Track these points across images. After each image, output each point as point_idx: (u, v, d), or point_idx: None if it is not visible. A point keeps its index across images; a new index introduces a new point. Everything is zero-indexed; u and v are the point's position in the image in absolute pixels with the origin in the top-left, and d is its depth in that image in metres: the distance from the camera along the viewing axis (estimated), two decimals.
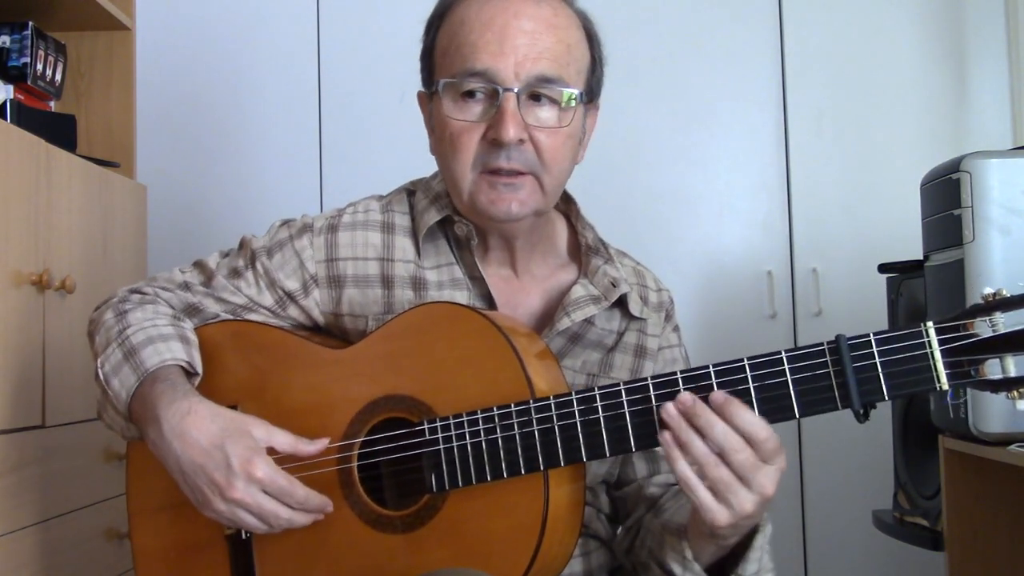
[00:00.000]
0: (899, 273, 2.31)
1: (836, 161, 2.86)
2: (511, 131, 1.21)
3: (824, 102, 2.87)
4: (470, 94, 1.24)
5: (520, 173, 1.23)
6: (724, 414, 1.06)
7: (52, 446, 1.80)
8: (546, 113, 1.24)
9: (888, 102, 2.86)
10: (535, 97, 1.24)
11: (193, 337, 1.31)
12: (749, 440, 1.06)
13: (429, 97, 1.32)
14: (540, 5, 1.26)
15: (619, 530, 1.38)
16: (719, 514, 1.07)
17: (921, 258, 2.05)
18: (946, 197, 1.89)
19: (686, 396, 1.08)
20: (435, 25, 1.30)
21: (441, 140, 1.28)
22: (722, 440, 1.06)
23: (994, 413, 1.80)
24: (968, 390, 1.77)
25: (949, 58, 2.88)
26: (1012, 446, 1.76)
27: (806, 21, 2.88)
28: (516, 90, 1.22)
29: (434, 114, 1.29)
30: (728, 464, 1.06)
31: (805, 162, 2.86)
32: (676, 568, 1.19)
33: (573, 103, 1.25)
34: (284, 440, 1.20)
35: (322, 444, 1.22)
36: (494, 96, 1.23)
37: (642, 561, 1.30)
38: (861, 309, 2.74)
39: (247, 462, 1.15)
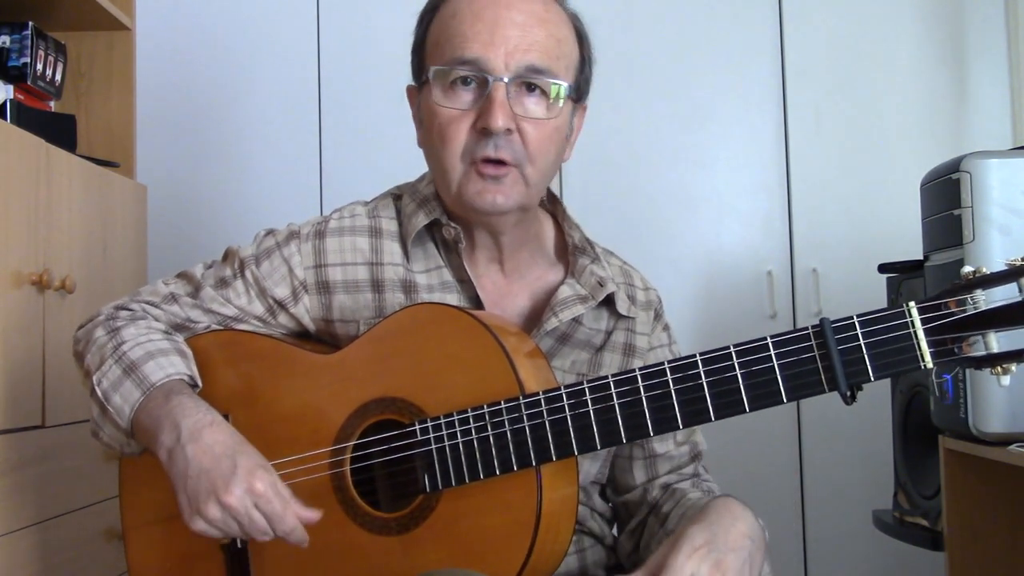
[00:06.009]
0: (899, 273, 2.30)
1: (836, 161, 2.86)
2: (499, 119, 1.21)
3: (824, 102, 2.86)
4: (461, 82, 1.24)
5: (504, 164, 1.24)
6: None
7: (52, 446, 1.81)
8: (534, 105, 1.25)
9: (888, 102, 2.86)
10: (527, 88, 1.24)
11: (188, 350, 1.31)
12: None
13: (419, 89, 1.32)
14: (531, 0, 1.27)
15: (621, 535, 1.39)
16: None
17: (921, 258, 2.05)
18: (946, 197, 1.88)
19: None
20: (426, 19, 1.31)
21: (430, 131, 1.28)
22: None
23: (994, 413, 1.80)
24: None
25: (949, 58, 2.88)
26: (1012, 446, 1.76)
27: (806, 21, 2.88)
28: (506, 80, 1.22)
29: (423, 105, 1.30)
30: None
31: (805, 162, 2.86)
32: None
33: (562, 97, 1.26)
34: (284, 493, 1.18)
35: (316, 515, 1.18)
36: (484, 86, 1.23)
37: None
38: (861, 309, 2.72)
39: (250, 473, 1.15)
